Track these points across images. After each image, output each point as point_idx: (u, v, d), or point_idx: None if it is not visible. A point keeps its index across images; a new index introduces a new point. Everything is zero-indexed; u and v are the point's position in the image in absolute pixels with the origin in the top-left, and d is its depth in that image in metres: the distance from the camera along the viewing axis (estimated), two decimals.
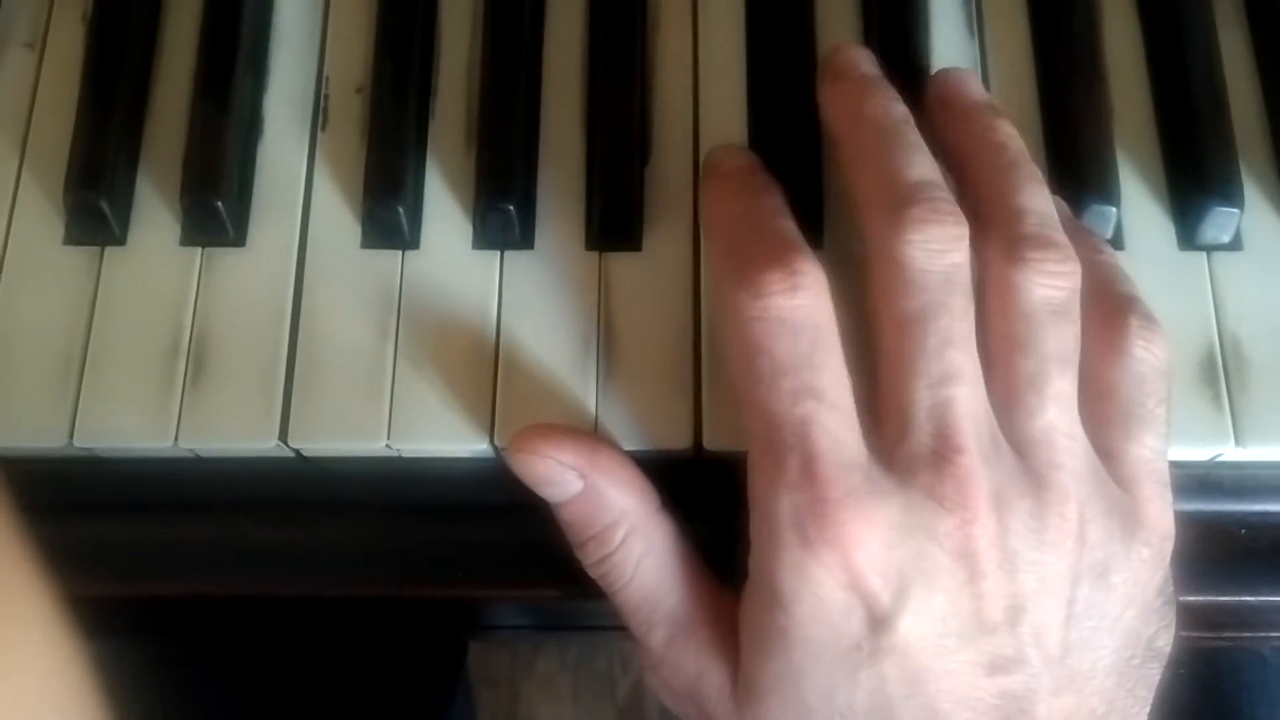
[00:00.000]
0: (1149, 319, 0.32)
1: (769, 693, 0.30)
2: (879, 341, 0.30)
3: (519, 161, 0.35)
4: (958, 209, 0.30)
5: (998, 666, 0.29)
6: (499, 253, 0.35)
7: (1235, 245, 0.35)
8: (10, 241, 0.35)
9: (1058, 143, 0.36)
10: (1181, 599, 0.35)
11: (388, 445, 0.33)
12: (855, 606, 0.28)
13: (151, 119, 0.36)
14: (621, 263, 0.34)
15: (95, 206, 0.34)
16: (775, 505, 0.28)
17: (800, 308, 0.29)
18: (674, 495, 0.33)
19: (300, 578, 0.35)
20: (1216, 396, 0.34)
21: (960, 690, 0.29)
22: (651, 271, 0.34)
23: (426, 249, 0.35)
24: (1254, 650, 0.51)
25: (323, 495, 0.34)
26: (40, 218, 0.35)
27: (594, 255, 0.35)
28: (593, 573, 0.32)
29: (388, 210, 0.34)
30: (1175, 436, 0.33)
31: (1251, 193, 0.35)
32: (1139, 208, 0.35)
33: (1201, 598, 0.35)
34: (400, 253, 0.35)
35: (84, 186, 0.34)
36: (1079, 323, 0.31)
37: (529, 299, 0.34)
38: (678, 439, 0.33)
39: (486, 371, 0.33)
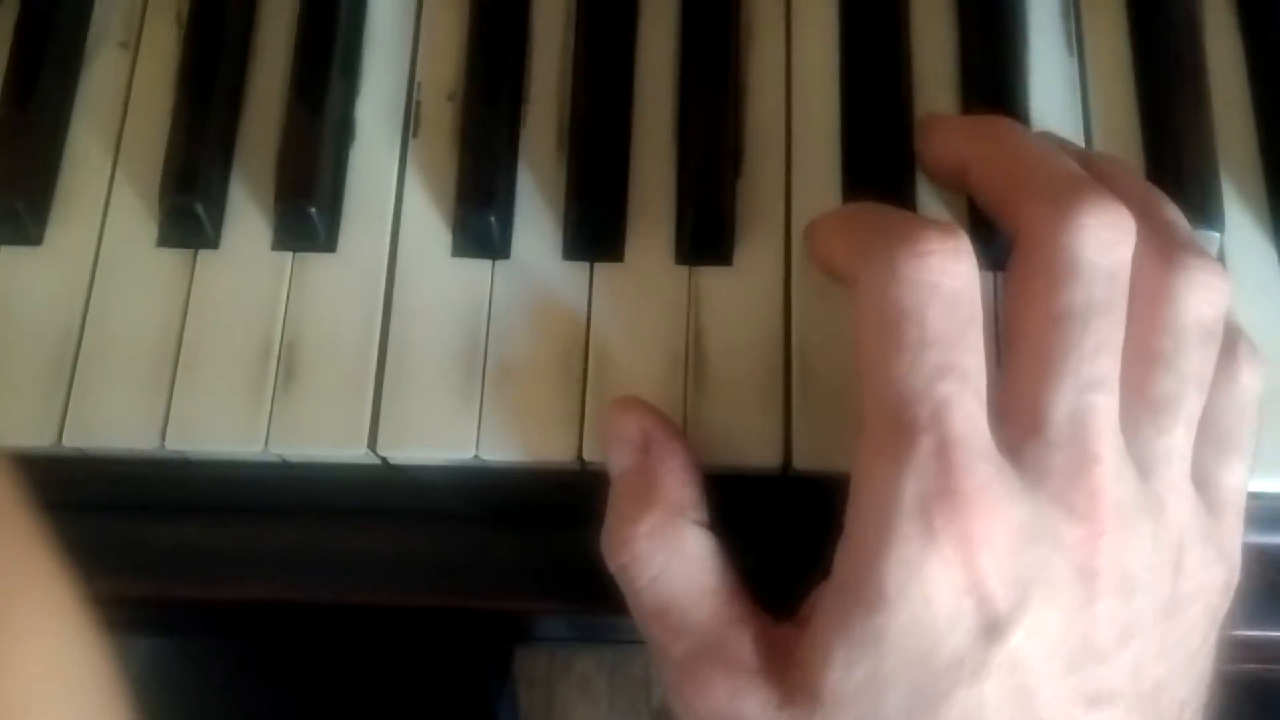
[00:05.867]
0: (1255, 349, 0.31)
1: (846, 704, 0.27)
2: (1023, 335, 0.28)
3: (610, 171, 0.35)
4: (1124, 204, 0.28)
5: (1100, 698, 0.27)
6: (589, 264, 0.34)
7: None
8: (104, 243, 0.35)
9: (1160, 165, 0.35)
10: (1265, 633, 0.35)
11: (476, 456, 0.33)
12: (966, 615, 0.26)
13: (245, 122, 0.36)
14: (712, 277, 0.34)
15: (190, 210, 0.34)
16: (897, 491, 0.26)
17: (962, 274, 0.27)
18: (757, 515, 0.32)
19: (376, 586, 0.35)
20: None
21: None
22: (742, 287, 0.34)
23: (517, 258, 0.34)
24: None
25: (408, 503, 0.34)
26: (134, 220, 0.35)
27: (684, 269, 0.34)
28: (616, 561, 0.30)
29: (480, 219, 0.34)
30: (1268, 467, 0.32)
31: None
32: (1242, 233, 0.35)
33: None
34: (491, 262, 0.34)
35: (180, 190, 0.34)
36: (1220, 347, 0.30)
37: (618, 311, 0.34)
38: (767, 457, 0.33)
39: (575, 384, 0.33)
